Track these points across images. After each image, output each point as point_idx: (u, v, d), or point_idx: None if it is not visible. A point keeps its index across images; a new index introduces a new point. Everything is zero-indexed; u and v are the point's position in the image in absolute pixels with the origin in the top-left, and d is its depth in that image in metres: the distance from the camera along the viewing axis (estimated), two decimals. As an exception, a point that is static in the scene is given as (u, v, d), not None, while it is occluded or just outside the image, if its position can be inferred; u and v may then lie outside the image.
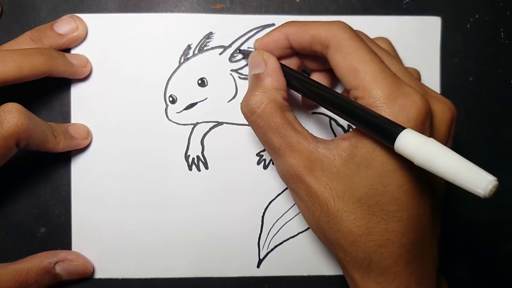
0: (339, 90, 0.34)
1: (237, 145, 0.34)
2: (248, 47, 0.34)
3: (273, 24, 0.34)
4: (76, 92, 0.34)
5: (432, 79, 0.35)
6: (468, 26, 0.36)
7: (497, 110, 0.36)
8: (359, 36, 0.28)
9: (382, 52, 0.29)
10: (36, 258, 0.32)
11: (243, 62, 0.34)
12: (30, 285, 0.31)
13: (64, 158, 0.34)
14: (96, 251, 0.34)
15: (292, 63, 0.31)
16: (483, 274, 0.37)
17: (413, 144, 0.23)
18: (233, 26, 0.34)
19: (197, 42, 0.34)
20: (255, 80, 0.29)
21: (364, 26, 0.34)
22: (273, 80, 0.28)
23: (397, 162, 0.25)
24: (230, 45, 0.34)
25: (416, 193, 0.26)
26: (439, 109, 0.28)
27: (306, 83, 0.29)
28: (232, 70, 0.34)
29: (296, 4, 0.35)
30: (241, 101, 0.29)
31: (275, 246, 0.35)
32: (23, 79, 0.29)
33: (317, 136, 0.28)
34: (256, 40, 0.31)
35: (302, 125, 0.28)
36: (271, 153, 0.29)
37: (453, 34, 0.35)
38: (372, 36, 0.34)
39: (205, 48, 0.34)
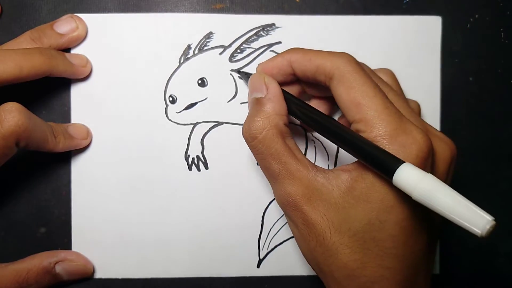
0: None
1: (237, 145, 0.34)
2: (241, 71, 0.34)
3: (273, 24, 0.34)
4: (76, 92, 0.34)
5: (432, 79, 0.35)
6: (468, 26, 0.36)
7: (497, 110, 0.36)
8: (363, 69, 0.27)
9: (385, 87, 0.29)
10: (36, 258, 0.32)
11: (243, 62, 0.34)
12: (30, 285, 0.31)
13: (64, 158, 0.34)
14: (96, 251, 0.34)
15: (293, 89, 0.31)
16: (483, 274, 0.37)
17: (412, 178, 0.23)
18: (233, 26, 0.34)
19: (197, 42, 0.34)
20: (256, 105, 0.29)
21: (364, 26, 0.34)
22: (275, 105, 0.28)
23: (396, 199, 0.25)
24: (230, 45, 0.34)
25: (413, 230, 0.26)
26: (440, 147, 0.27)
27: (307, 110, 0.29)
28: (232, 70, 0.34)
29: (296, 4, 0.35)
30: (242, 125, 0.29)
31: (275, 246, 0.35)
32: (23, 78, 0.29)
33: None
34: (259, 65, 0.31)
35: (302, 153, 0.28)
36: (270, 178, 0.28)
37: (453, 34, 0.35)
38: (372, 36, 0.35)
39: (205, 48, 0.34)
